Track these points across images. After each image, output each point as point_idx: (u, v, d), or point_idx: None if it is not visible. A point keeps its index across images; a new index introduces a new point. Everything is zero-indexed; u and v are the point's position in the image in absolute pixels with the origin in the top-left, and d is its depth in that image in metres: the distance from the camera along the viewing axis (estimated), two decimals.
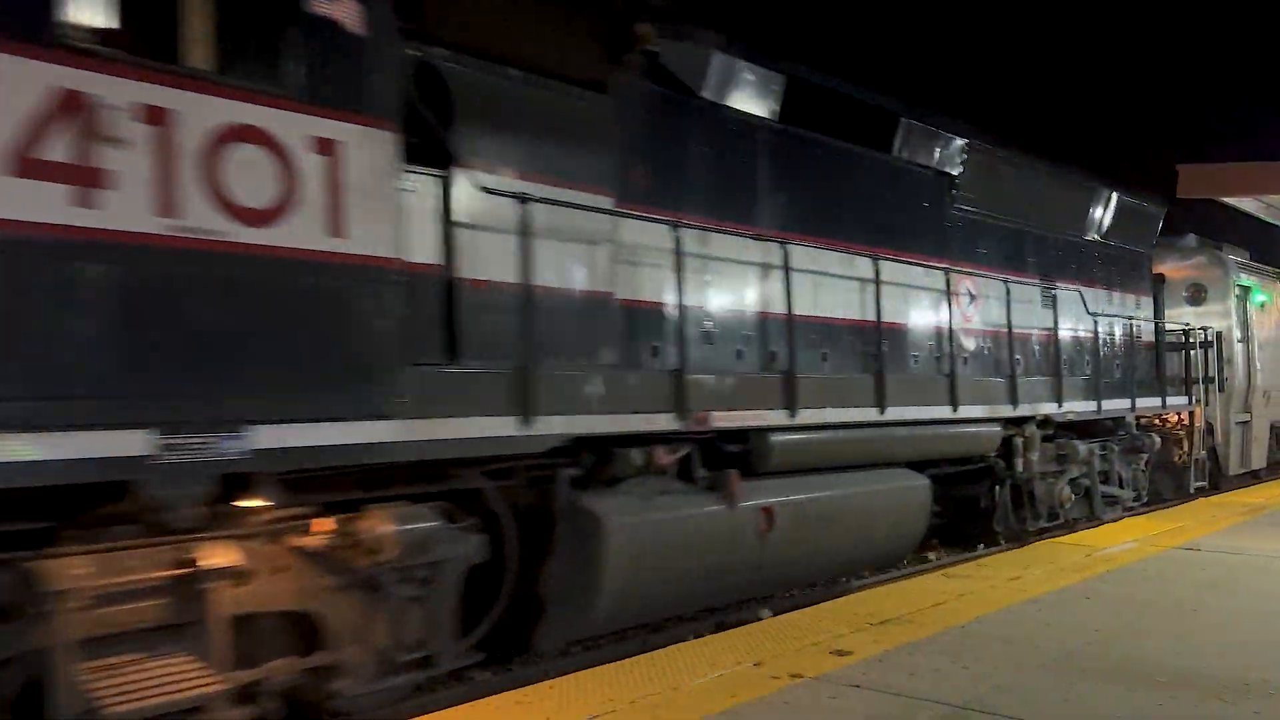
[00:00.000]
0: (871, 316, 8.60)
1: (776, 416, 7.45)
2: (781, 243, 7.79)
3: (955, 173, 10.11)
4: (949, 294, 9.70)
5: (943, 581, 7.78)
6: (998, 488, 10.61)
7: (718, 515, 7.06)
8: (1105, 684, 5.00)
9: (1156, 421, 14.00)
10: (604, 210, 6.50)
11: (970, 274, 10.15)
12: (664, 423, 6.66)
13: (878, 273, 8.55)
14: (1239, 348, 15.93)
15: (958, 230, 10.18)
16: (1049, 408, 10.80)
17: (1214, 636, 5.92)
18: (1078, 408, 11.30)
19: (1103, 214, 12.79)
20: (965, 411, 9.36)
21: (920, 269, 9.34)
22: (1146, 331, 13.97)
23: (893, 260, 8.91)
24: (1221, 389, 15.17)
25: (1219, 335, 15.10)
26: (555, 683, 5.19)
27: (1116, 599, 6.99)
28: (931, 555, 10.62)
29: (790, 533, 7.52)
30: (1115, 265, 13.10)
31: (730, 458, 7.36)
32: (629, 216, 6.69)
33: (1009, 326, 10.30)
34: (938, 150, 9.96)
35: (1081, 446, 11.46)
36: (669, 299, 7.06)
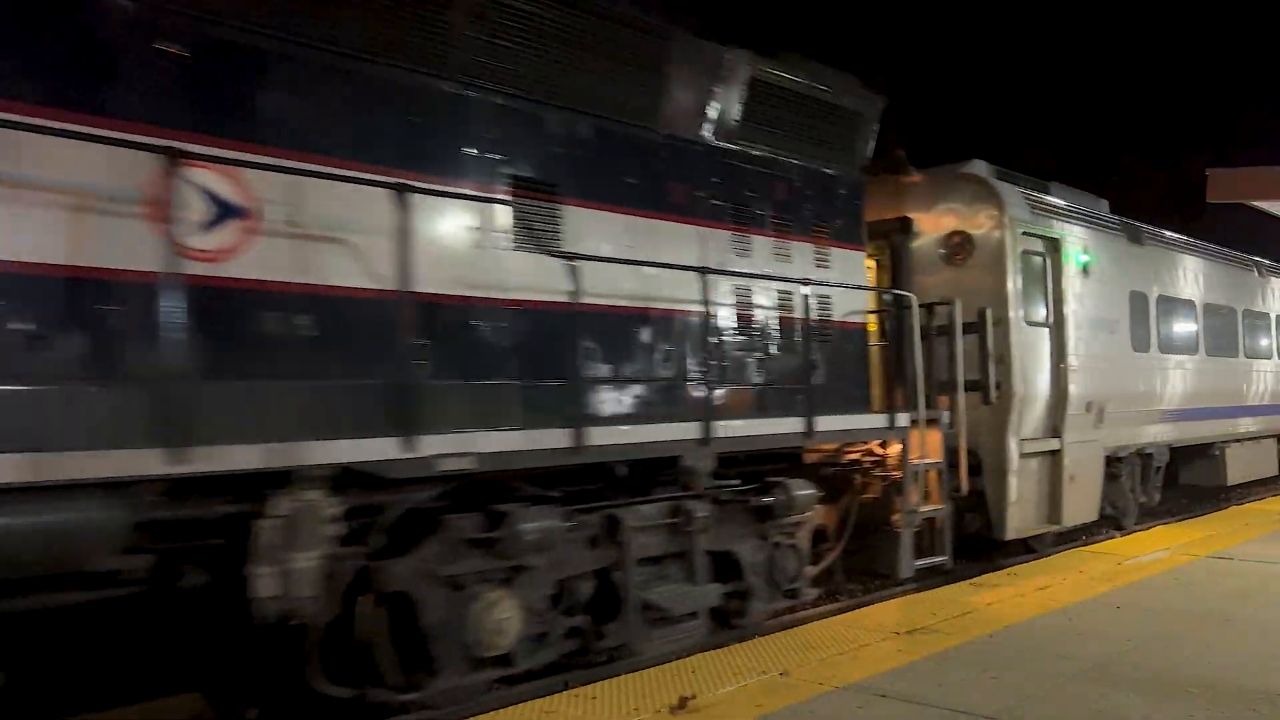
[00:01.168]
0: None
1: None
2: None
3: None
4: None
5: (971, 591, 7.70)
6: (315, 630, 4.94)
7: None
8: (1136, 694, 4.94)
9: (860, 456, 8.49)
10: None
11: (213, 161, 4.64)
12: None
13: None
14: (1031, 335, 10.24)
15: (175, 69, 4.69)
16: (374, 449, 4.90)
17: (1247, 647, 5.84)
18: (488, 445, 5.38)
19: (717, 96, 7.36)
20: None
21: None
22: (845, 304, 8.28)
23: None
24: (988, 400, 9.51)
25: (983, 314, 9.47)
26: (579, 691, 5.20)
27: (1147, 608, 6.90)
28: None
29: None
30: (759, 189, 7.71)
31: None
32: None
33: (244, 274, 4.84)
34: None
35: (535, 523, 5.61)
36: None
